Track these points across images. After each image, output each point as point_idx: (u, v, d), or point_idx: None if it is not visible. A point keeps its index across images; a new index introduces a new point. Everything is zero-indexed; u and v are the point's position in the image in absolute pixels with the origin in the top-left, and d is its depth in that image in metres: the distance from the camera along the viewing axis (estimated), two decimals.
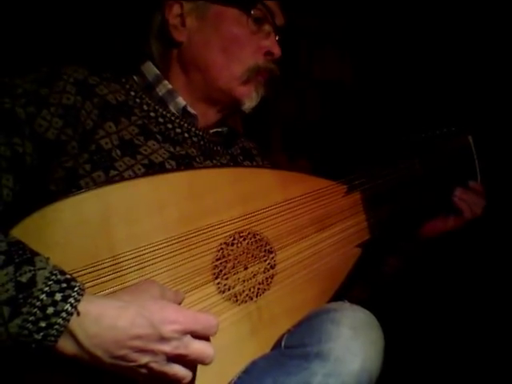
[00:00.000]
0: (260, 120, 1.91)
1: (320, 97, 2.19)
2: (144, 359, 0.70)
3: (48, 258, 0.72)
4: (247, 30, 1.08)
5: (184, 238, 0.88)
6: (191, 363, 0.75)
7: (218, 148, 1.14)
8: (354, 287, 1.22)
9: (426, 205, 1.19)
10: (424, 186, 1.17)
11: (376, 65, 2.12)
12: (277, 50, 1.11)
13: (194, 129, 1.09)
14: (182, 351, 0.72)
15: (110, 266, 0.81)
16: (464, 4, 1.82)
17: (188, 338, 0.73)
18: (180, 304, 0.80)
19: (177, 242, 0.88)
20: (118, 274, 0.81)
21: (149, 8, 1.14)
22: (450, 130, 1.21)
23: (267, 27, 1.11)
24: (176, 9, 1.09)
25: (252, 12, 1.08)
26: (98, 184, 0.89)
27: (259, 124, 1.89)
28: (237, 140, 1.24)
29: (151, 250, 0.85)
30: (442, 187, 1.19)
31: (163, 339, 0.71)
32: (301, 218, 1.02)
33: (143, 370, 0.72)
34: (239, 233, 0.95)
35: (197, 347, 0.74)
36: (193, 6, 1.08)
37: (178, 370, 0.73)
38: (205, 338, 0.76)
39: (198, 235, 0.90)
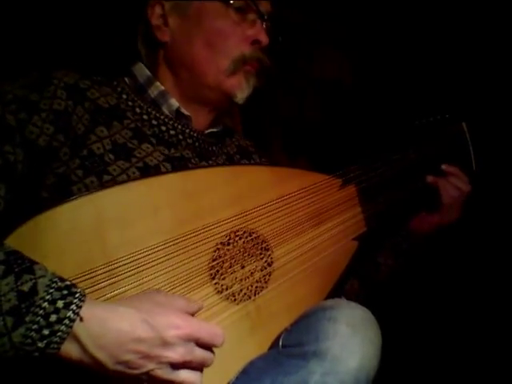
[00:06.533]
0: (259, 119, 1.91)
1: (319, 96, 2.18)
2: (149, 366, 0.70)
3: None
4: (229, 21, 1.06)
5: (179, 240, 0.88)
6: (195, 369, 0.74)
7: (214, 148, 1.13)
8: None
9: (421, 195, 1.18)
10: (419, 176, 1.17)
11: (375, 64, 2.11)
12: (263, 38, 1.08)
13: (188, 130, 1.08)
14: (187, 358, 0.72)
15: (106, 272, 0.80)
16: (460, 2, 1.82)
17: (192, 344, 0.73)
18: (195, 313, 0.78)
19: (172, 245, 0.87)
20: (114, 279, 0.81)
21: (136, 10, 1.12)
22: (443, 117, 1.21)
23: (252, 15, 1.08)
24: (158, 9, 1.08)
25: (231, 2, 1.06)
26: (90, 189, 0.88)
27: (259, 123, 1.89)
28: (232, 139, 1.22)
29: (147, 253, 0.84)
30: (438, 176, 1.18)
31: (167, 344, 0.70)
32: (297, 214, 1.01)
33: (148, 378, 0.71)
34: (235, 232, 0.94)
35: (200, 354, 0.73)
36: (173, 4, 1.07)
37: (187, 376, 0.72)
38: (208, 347, 0.75)
39: (193, 236, 0.90)
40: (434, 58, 1.90)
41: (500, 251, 1.65)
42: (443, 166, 1.20)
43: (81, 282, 0.77)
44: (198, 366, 0.74)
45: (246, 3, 1.07)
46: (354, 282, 1.25)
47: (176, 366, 0.72)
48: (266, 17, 1.10)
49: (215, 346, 0.75)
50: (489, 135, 1.20)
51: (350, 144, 1.94)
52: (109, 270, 0.81)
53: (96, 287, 0.79)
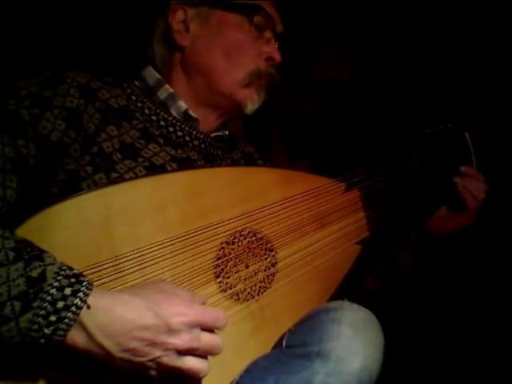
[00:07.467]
0: (260, 120, 1.91)
1: (319, 96, 2.19)
2: (155, 353, 0.71)
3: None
4: (249, 36, 1.11)
5: (185, 238, 0.89)
6: (201, 356, 0.75)
7: (219, 152, 1.15)
8: (366, 279, 1.25)
9: (424, 201, 1.19)
10: (422, 183, 1.18)
11: (375, 64, 2.12)
12: (277, 56, 1.13)
13: (195, 132, 1.10)
14: (193, 344, 0.73)
15: (111, 266, 0.81)
16: (460, 3, 1.83)
17: (198, 330, 0.74)
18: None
19: (178, 242, 0.88)
20: (119, 274, 0.81)
21: (151, 12, 1.15)
22: (446, 127, 1.22)
23: (268, 34, 1.14)
24: (180, 15, 1.10)
25: (254, 19, 1.10)
26: (99, 186, 0.89)
27: (259, 124, 1.89)
28: (237, 144, 1.25)
29: (152, 250, 0.85)
30: (440, 184, 1.19)
31: (172, 331, 0.71)
32: (301, 216, 1.02)
33: (154, 366, 0.72)
34: (240, 231, 0.95)
35: (207, 339, 0.74)
36: (196, 12, 1.11)
37: (193, 363, 0.73)
38: (211, 331, 0.76)
39: (198, 234, 0.90)
40: (435, 65, 1.91)
41: (502, 259, 1.66)
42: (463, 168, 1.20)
43: (86, 275, 0.78)
44: (205, 354, 0.75)
45: (265, 22, 1.12)
46: (372, 281, 1.27)
47: (182, 352, 0.73)
48: (279, 36, 1.15)
49: (218, 329, 0.77)
50: (491, 144, 1.21)
51: (350, 144, 1.95)
52: (114, 265, 0.81)
53: (101, 281, 0.79)
